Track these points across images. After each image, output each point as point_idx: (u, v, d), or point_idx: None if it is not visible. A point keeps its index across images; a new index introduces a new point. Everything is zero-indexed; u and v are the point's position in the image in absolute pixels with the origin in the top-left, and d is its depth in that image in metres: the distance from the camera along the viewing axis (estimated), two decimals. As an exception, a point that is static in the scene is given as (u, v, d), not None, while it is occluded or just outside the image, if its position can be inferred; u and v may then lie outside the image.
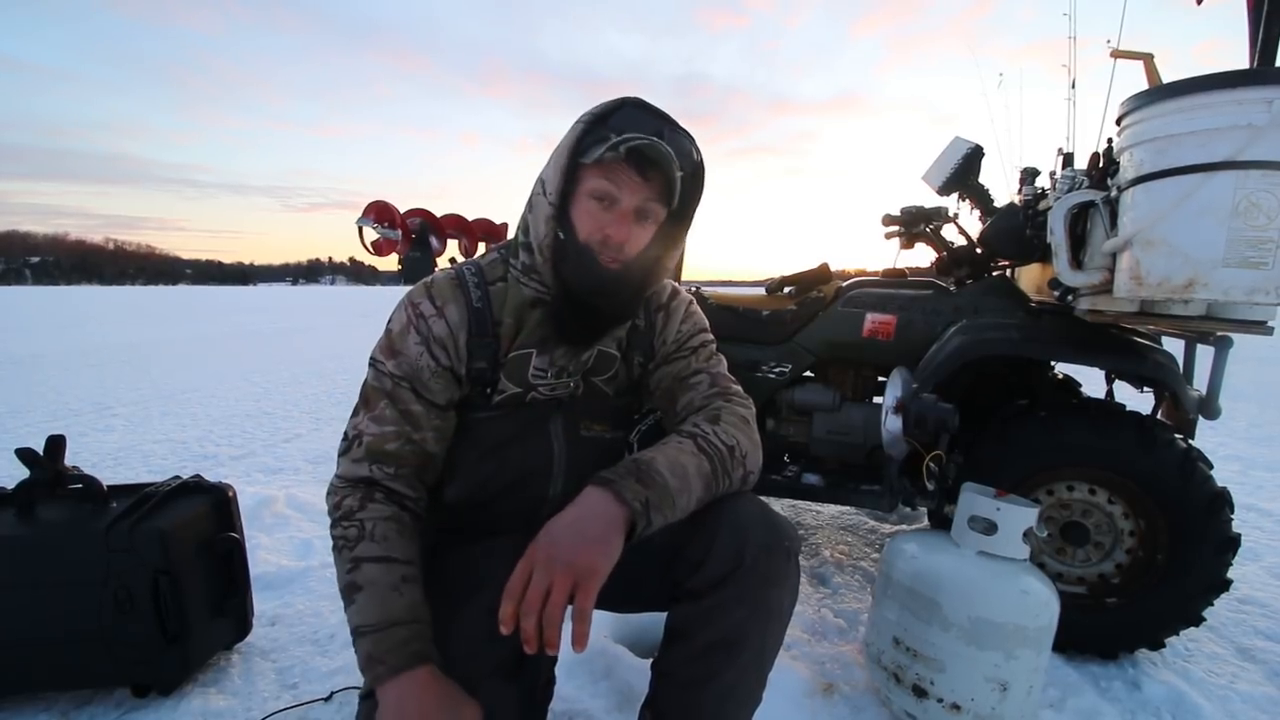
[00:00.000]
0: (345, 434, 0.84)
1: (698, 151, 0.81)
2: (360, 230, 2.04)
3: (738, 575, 0.75)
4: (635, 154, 0.75)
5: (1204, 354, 1.44)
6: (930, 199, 1.93)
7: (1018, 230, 1.58)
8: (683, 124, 0.80)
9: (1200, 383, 1.48)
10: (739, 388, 0.93)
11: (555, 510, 0.93)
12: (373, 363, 0.84)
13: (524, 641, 0.62)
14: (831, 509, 2.49)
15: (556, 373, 0.88)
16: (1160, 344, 1.54)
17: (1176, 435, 1.41)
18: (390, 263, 2.17)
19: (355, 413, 0.84)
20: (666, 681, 0.82)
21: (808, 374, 1.93)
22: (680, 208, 0.83)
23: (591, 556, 0.64)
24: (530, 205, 0.83)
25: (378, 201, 2.04)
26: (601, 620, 1.50)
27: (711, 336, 0.98)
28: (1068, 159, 1.62)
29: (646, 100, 0.80)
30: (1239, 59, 1.26)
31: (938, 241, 1.92)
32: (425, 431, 0.83)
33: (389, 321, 0.85)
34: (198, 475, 1.45)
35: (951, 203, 1.91)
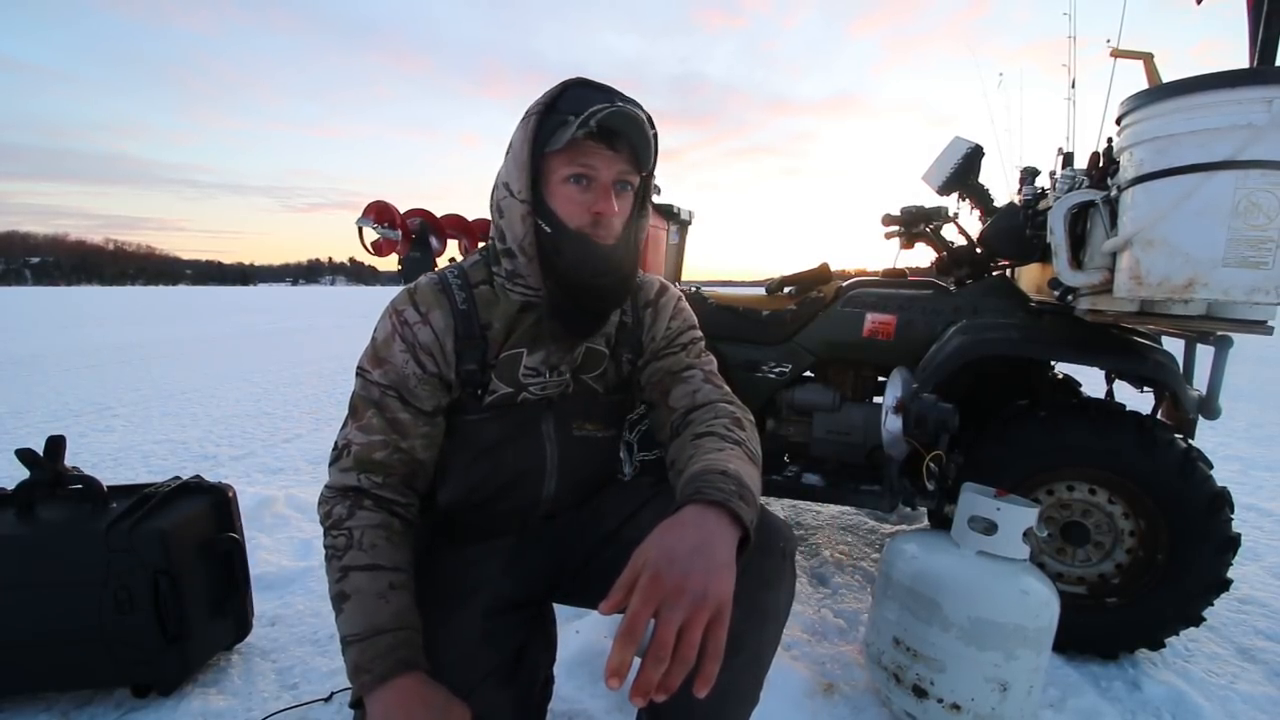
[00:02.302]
0: (335, 444, 0.83)
1: (650, 119, 0.81)
2: (360, 230, 2.04)
3: None
4: (603, 128, 0.74)
5: (1204, 354, 1.44)
6: (930, 199, 1.93)
7: (1018, 230, 1.58)
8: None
9: (1200, 383, 1.48)
10: (729, 388, 0.92)
11: (549, 510, 0.93)
12: (359, 372, 0.84)
13: (639, 693, 0.51)
14: (831, 509, 2.49)
15: (548, 371, 0.87)
16: (1160, 344, 1.54)
17: (1176, 435, 1.41)
18: (390, 263, 2.17)
19: (345, 423, 0.83)
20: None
21: (808, 374, 1.93)
22: (644, 177, 0.84)
23: (725, 585, 0.57)
24: (499, 211, 0.81)
25: (378, 201, 2.04)
26: (600, 620, 1.50)
27: (700, 334, 0.98)
28: (1068, 159, 1.62)
29: (588, 78, 0.79)
30: (1236, 59, 1.26)
31: (938, 241, 1.92)
32: (413, 439, 0.82)
33: (374, 330, 0.84)
34: (198, 475, 1.45)
35: (951, 202, 1.91)
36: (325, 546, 0.78)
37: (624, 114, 0.75)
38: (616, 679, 0.51)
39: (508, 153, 0.80)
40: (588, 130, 0.73)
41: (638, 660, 0.53)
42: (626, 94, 0.79)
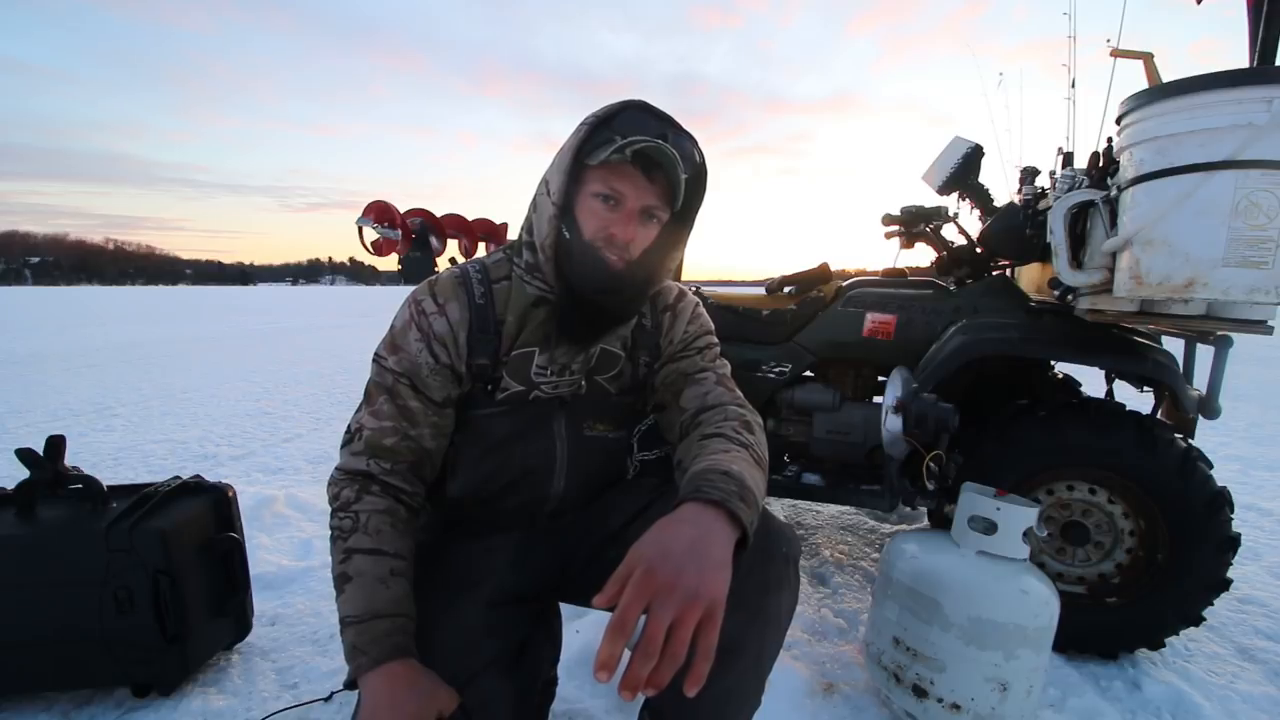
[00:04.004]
0: (348, 427, 0.85)
1: (700, 154, 0.82)
2: (360, 230, 2.05)
3: (734, 581, 0.75)
4: (640, 156, 0.75)
5: (1204, 354, 1.44)
6: (930, 198, 1.93)
7: (1018, 230, 1.58)
8: (680, 123, 0.81)
9: (1200, 382, 1.48)
10: (741, 393, 0.93)
11: (557, 508, 0.93)
12: (376, 359, 0.86)
13: (627, 687, 0.52)
14: (831, 509, 2.49)
15: (559, 370, 0.88)
16: (1160, 344, 1.54)
17: (1176, 435, 1.41)
18: (390, 263, 2.17)
19: (359, 408, 0.86)
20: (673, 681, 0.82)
21: (808, 374, 1.93)
22: (683, 209, 0.84)
23: (720, 584, 0.58)
24: (534, 205, 0.84)
25: (378, 201, 2.04)
26: (601, 619, 1.50)
27: (716, 339, 0.99)
28: (1068, 158, 1.62)
29: (650, 103, 0.80)
30: (1234, 58, 1.26)
31: (938, 241, 1.92)
32: (422, 428, 0.84)
33: (394, 319, 0.86)
34: (198, 475, 1.45)
35: (951, 202, 1.91)
36: (331, 527, 0.81)
37: (662, 150, 0.75)
38: (605, 671, 0.51)
39: (558, 153, 0.81)
40: (624, 158, 0.75)
41: (629, 655, 0.53)
42: (682, 126, 0.79)
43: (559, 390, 0.89)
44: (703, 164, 0.82)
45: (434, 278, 0.88)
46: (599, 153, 0.76)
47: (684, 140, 0.79)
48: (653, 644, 0.52)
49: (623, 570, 0.57)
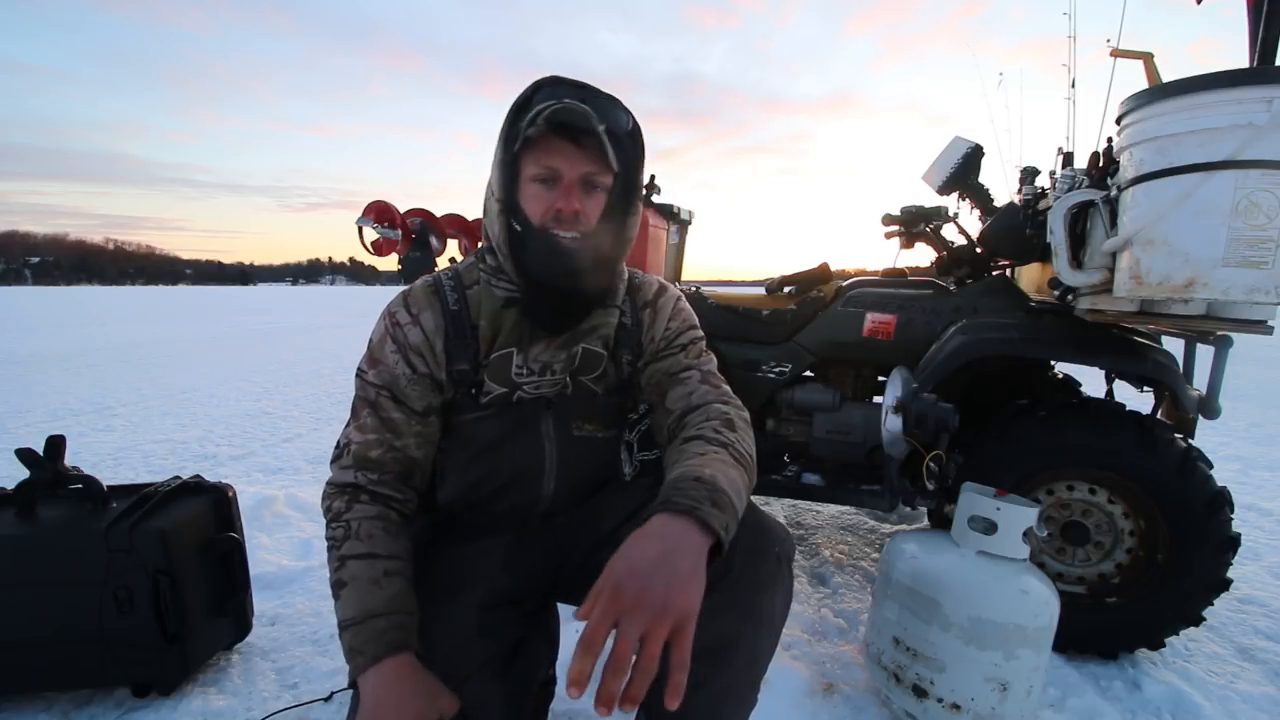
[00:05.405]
0: (337, 442, 0.87)
1: (630, 116, 0.81)
2: (360, 230, 2.05)
3: (726, 581, 0.75)
4: (561, 124, 0.74)
5: (1204, 353, 1.44)
6: (930, 198, 1.93)
7: (1018, 230, 1.58)
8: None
9: (1200, 382, 1.48)
10: (728, 387, 0.92)
11: (549, 509, 0.93)
12: (358, 374, 0.86)
13: (602, 702, 0.52)
14: (831, 509, 2.49)
15: (539, 370, 0.88)
16: (1160, 344, 1.54)
17: (1176, 435, 1.41)
18: (390, 263, 2.17)
19: (348, 423, 0.87)
20: (660, 685, 0.82)
21: (808, 374, 1.93)
22: (625, 175, 0.81)
23: (689, 597, 0.57)
24: (485, 211, 0.85)
25: (378, 201, 2.04)
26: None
27: (701, 333, 0.97)
28: (1068, 159, 1.62)
29: (565, 76, 0.79)
30: (1234, 58, 1.26)
31: (938, 241, 1.92)
32: (406, 438, 0.85)
33: (371, 332, 0.87)
34: (198, 475, 1.45)
35: (951, 202, 1.91)
36: (326, 539, 0.81)
37: (573, 109, 0.74)
38: (576, 688, 0.51)
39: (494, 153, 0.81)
40: (539, 128, 0.74)
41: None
42: (607, 91, 0.79)
43: (542, 390, 0.89)
44: (634, 126, 0.81)
45: (407, 289, 0.88)
46: (522, 134, 0.76)
47: (605, 102, 0.78)
48: (621, 660, 0.53)
49: (598, 586, 0.57)
